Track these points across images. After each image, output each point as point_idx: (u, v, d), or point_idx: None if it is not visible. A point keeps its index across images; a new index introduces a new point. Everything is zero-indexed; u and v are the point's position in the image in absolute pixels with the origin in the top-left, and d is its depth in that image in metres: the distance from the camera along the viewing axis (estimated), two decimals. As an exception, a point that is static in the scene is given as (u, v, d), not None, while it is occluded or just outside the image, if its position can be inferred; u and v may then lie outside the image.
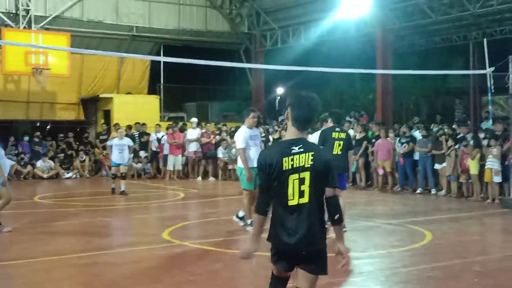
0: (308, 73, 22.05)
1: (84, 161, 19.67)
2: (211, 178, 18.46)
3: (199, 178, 18.48)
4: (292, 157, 3.58)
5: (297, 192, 3.57)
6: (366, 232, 9.23)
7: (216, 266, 6.94)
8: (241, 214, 9.28)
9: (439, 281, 6.28)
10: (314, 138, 9.42)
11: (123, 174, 14.03)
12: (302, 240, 3.58)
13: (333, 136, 8.78)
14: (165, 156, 18.68)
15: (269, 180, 3.63)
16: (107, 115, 21.90)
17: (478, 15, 19.34)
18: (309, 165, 3.57)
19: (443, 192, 13.91)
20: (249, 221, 9.05)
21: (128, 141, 14.35)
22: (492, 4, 17.20)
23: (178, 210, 12.46)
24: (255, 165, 9.06)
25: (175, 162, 18.46)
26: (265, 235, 3.79)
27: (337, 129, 8.94)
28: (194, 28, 23.90)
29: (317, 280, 3.75)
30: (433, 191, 14.23)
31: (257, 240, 3.77)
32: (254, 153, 9.04)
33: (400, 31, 21.03)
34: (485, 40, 12.59)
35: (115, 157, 13.95)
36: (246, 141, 9.05)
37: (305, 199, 3.57)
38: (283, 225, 3.62)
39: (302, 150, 3.59)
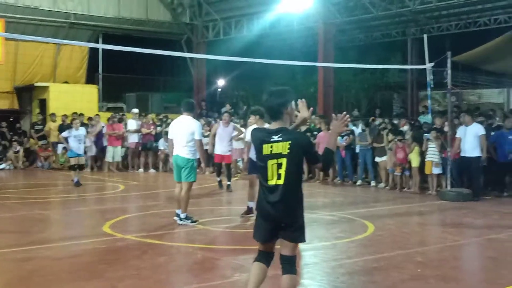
0: (250, 65, 22.05)
1: (18, 152, 18.90)
2: (152, 170, 18.16)
3: (141, 170, 18.14)
4: (271, 144, 4.13)
5: (275, 175, 4.13)
6: (309, 224, 9.13)
7: (160, 260, 6.77)
8: (183, 215, 9.00)
9: (384, 271, 6.36)
10: (249, 130, 9.44)
11: (82, 165, 14.39)
12: (280, 213, 4.17)
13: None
14: (104, 148, 18.21)
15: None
16: (43, 104, 21.18)
17: (417, 11, 19.87)
18: (286, 153, 4.11)
19: (382, 184, 14.22)
20: (183, 215, 8.91)
21: (84, 132, 14.50)
22: (431, 1, 17.67)
23: (119, 202, 12.16)
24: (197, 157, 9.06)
25: (114, 153, 18.03)
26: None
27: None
28: (134, 17, 23.40)
29: (297, 247, 4.35)
30: (373, 183, 14.53)
31: None
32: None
33: (342, 25, 21.31)
34: (425, 36, 12.91)
35: (75, 147, 13.87)
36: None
37: (281, 181, 4.12)
38: (266, 199, 4.21)
39: (281, 139, 4.13)
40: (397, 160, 13.48)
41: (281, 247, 4.33)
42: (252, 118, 9.63)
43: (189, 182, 8.87)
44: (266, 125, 9.21)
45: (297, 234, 4.27)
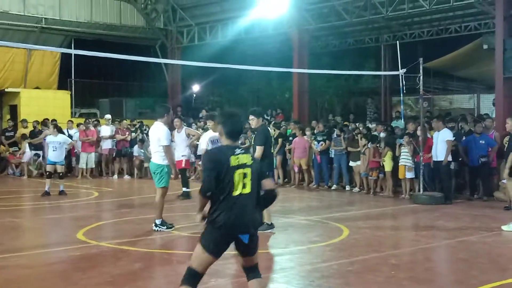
0: (225, 71, 21.99)
1: (-11, 159, 18.57)
2: (126, 176, 18.02)
3: (115, 176, 17.98)
4: (237, 156, 4.44)
5: (241, 184, 4.39)
6: (285, 228, 9.31)
7: (135, 266, 6.74)
8: (158, 221, 8.96)
9: (359, 274, 6.44)
10: (206, 137, 9.45)
11: (61, 174, 13.43)
12: (249, 222, 4.41)
13: (271, 135, 8.94)
14: (77, 154, 18.01)
15: (218, 174, 4.35)
16: (14, 110, 20.83)
17: (390, 18, 20.11)
18: (250, 163, 4.48)
19: (357, 188, 14.35)
20: (158, 221, 8.87)
21: (64, 138, 13.65)
22: (403, 8, 17.92)
23: (93, 209, 12.02)
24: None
25: (87, 160, 17.84)
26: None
27: (268, 127, 9.14)
28: (107, 22, 23.17)
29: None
30: (348, 187, 14.65)
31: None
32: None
33: (316, 31, 21.46)
34: (397, 42, 13.10)
35: (50, 155, 13.29)
36: (169, 138, 8.97)
37: (247, 190, 4.42)
38: (231, 211, 4.33)
39: (243, 151, 4.53)
40: (370, 165, 13.62)
41: (244, 260, 4.52)
42: (210, 123, 9.60)
43: (161, 187, 8.86)
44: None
45: (256, 246, 4.53)
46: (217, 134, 9.17)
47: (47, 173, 13.49)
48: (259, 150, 8.51)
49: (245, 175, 4.41)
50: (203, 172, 4.54)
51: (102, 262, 6.98)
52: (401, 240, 8.85)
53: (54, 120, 18.60)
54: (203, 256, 4.38)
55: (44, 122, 18.61)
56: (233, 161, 4.39)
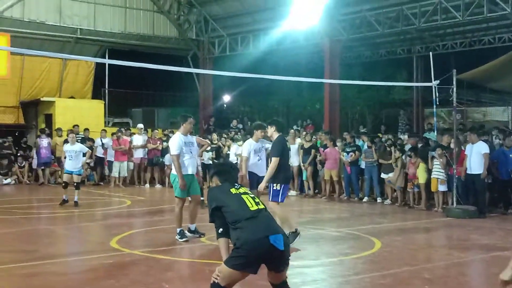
0: (256, 81, 22.15)
1: (23, 166, 18.94)
2: (158, 185, 18.18)
3: (147, 185, 18.16)
4: (237, 188, 4.81)
5: (253, 202, 4.67)
6: (316, 240, 9.27)
7: (168, 275, 6.79)
8: (192, 227, 9.07)
9: (391, 288, 6.36)
10: (247, 145, 9.35)
11: (76, 184, 12.86)
12: (276, 226, 4.63)
13: (287, 146, 8.83)
14: (110, 163, 18.27)
15: (219, 205, 4.66)
16: (49, 119, 21.24)
17: (422, 29, 19.97)
18: (249, 192, 4.88)
19: (388, 201, 14.20)
20: (178, 230, 8.88)
21: (81, 147, 13.40)
22: (436, 19, 17.77)
23: (125, 218, 12.14)
24: (190, 173, 8.89)
25: (120, 168, 18.07)
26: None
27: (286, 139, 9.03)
28: (141, 33, 23.59)
29: None
30: (379, 199, 14.52)
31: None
32: (188, 161, 8.87)
33: (348, 42, 21.41)
34: (430, 53, 12.99)
35: (66, 164, 13.04)
36: (180, 147, 8.79)
37: (261, 206, 4.70)
38: (253, 223, 4.49)
39: (240, 185, 4.93)
40: (409, 177, 13.46)
41: (274, 276, 4.60)
42: (262, 132, 9.45)
43: (176, 197, 8.94)
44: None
45: (289, 256, 4.58)
46: (259, 143, 9.25)
47: (63, 183, 13.12)
48: (274, 162, 8.31)
49: (253, 197, 4.74)
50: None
51: (134, 270, 7.03)
52: (434, 254, 8.70)
53: (76, 125, 18.94)
54: (234, 274, 4.44)
55: (43, 130, 18.98)
56: (233, 190, 4.76)
